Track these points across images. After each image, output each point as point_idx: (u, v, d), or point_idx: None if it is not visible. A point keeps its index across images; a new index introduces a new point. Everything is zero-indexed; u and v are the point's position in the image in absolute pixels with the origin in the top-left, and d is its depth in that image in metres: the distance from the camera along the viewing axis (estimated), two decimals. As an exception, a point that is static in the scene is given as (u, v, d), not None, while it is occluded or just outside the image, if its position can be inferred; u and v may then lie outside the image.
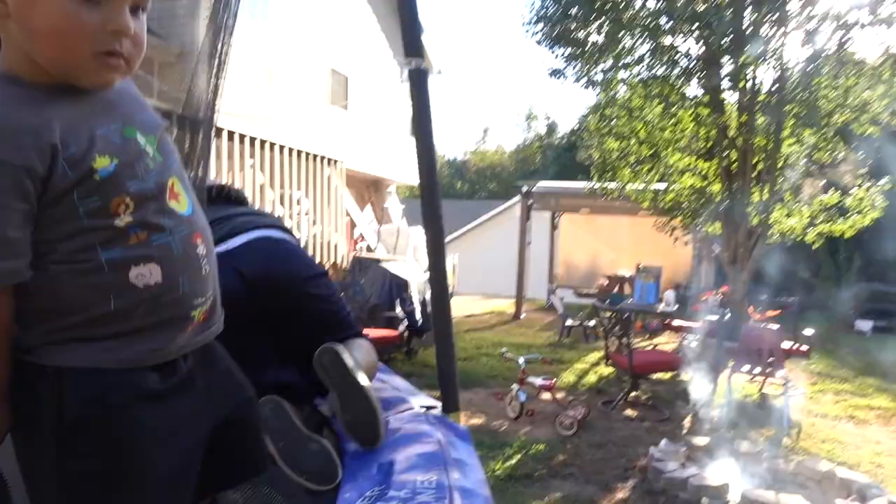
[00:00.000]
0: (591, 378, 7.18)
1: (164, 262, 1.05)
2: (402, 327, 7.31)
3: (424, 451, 1.76)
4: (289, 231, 2.08)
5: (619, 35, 7.17)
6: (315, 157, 7.77)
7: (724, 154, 7.21)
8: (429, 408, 2.15)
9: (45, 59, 0.97)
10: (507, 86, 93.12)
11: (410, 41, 2.07)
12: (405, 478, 1.55)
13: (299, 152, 7.49)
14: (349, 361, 1.64)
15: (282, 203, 7.20)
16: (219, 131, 6.09)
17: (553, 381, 5.78)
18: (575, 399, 6.17)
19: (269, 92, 10.12)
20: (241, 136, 6.45)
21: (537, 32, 7.67)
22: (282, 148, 7.13)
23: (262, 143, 6.82)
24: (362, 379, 1.65)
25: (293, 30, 10.75)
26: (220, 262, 1.24)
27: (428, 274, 2.16)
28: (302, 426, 1.67)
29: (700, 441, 4.77)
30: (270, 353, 1.89)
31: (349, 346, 1.78)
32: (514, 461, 4.60)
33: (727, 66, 6.92)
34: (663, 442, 4.62)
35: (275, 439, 1.59)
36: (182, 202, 1.10)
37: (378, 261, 8.12)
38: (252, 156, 6.60)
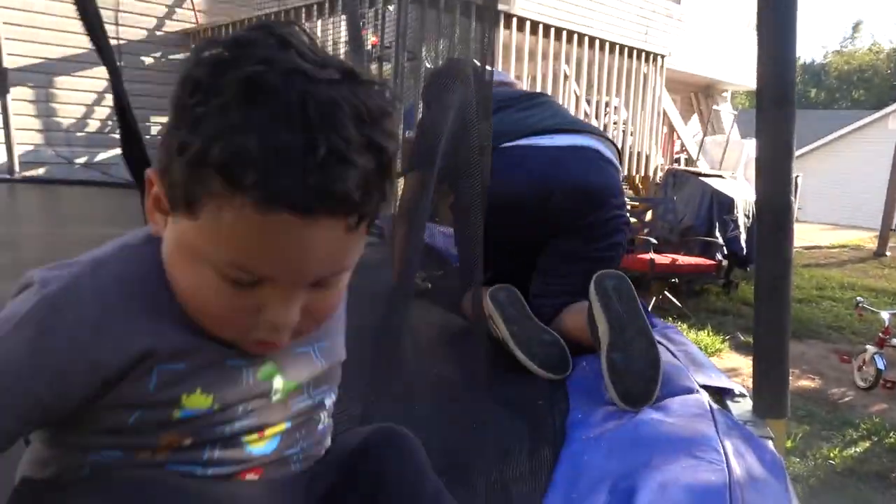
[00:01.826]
0: None
1: None
2: (719, 255, 6.13)
3: (696, 480, 1.06)
4: (611, 142, 1.99)
5: None
6: (633, 50, 6.68)
7: None
8: (722, 394, 1.38)
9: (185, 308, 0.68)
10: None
11: None
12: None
13: (619, 46, 6.45)
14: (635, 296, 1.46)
15: (596, 116, 6.40)
16: (519, 21, 5.45)
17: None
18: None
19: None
20: (546, 28, 5.70)
21: None
22: (602, 43, 6.17)
23: (576, 35, 5.94)
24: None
25: None
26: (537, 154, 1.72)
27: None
28: (534, 317, 1.68)
29: None
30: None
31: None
32: (859, 449, 3.49)
33: None
34: None
35: (509, 323, 1.63)
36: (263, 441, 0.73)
37: (698, 174, 6.92)
38: (567, 59, 5.80)
